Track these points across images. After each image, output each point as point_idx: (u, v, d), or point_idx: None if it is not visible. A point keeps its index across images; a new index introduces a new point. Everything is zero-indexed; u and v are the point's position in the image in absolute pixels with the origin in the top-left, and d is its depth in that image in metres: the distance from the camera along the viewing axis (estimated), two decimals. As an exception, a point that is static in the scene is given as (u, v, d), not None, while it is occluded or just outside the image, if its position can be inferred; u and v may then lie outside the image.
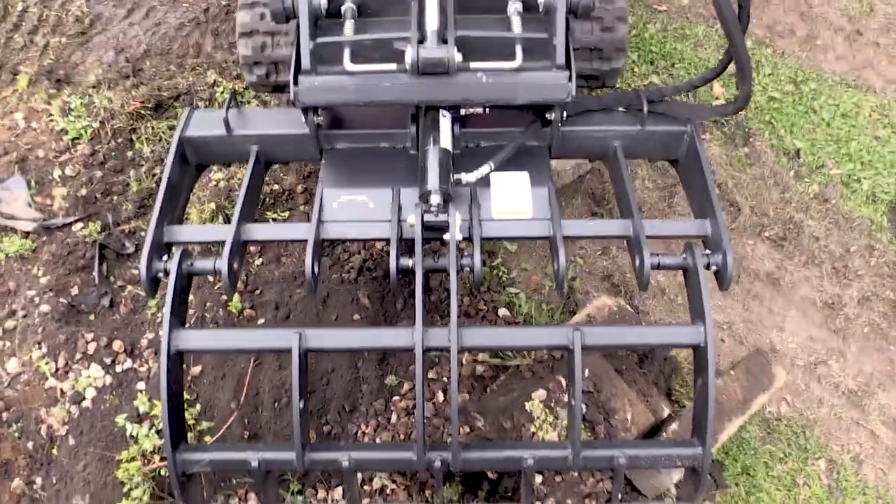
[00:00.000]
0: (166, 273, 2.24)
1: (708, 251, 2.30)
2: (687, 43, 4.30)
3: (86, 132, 3.66)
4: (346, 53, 2.22)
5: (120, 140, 3.67)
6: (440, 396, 2.88)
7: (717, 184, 3.77)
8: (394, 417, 2.88)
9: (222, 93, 3.80)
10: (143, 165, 3.60)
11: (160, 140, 3.68)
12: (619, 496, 2.34)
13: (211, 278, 3.19)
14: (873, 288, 3.53)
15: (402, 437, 2.83)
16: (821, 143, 3.94)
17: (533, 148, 2.54)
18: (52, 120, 3.73)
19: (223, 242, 2.25)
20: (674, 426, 2.85)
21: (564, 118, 2.48)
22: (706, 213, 2.38)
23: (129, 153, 3.65)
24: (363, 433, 2.87)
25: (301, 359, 2.17)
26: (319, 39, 2.27)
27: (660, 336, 2.42)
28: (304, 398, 2.25)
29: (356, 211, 2.38)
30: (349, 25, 2.32)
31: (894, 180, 3.80)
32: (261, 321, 3.12)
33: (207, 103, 3.78)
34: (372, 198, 2.39)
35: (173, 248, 2.33)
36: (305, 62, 2.25)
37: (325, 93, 2.29)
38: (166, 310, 2.17)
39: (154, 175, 3.55)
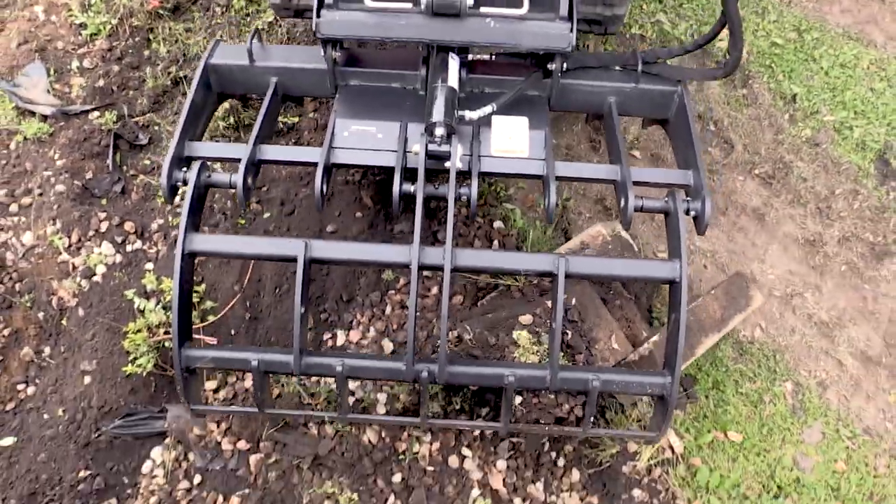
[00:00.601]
0: (185, 182, 2.43)
1: (688, 199, 2.48)
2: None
3: (104, 28, 3.76)
4: None
5: (137, 38, 3.77)
6: (434, 290, 3.03)
7: (713, 121, 3.90)
8: (388, 309, 3.04)
9: (239, 0, 3.88)
10: (159, 64, 3.70)
11: (176, 41, 3.77)
12: (591, 418, 2.52)
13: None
14: (854, 229, 3.68)
15: (394, 327, 3.00)
16: (817, 90, 4.05)
17: (533, 98, 2.72)
18: (71, 14, 3.82)
19: (239, 161, 2.43)
20: (642, 349, 3.01)
21: (564, 70, 2.63)
22: (690, 166, 2.56)
23: (146, 52, 3.74)
24: (358, 322, 3.03)
25: (306, 267, 2.34)
26: None
27: (639, 269, 2.59)
28: (306, 305, 2.42)
29: (365, 140, 2.55)
30: None
31: (884, 130, 3.93)
32: (266, 215, 3.26)
33: (225, 8, 3.87)
34: (380, 129, 2.56)
35: (192, 163, 2.48)
36: None
37: (344, 26, 2.46)
38: (183, 216, 2.35)
39: (170, 73, 3.66)
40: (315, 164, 2.44)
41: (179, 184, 2.45)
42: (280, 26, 3.80)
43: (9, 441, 2.90)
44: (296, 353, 2.38)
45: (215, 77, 2.74)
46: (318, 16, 2.45)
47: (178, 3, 3.85)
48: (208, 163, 2.49)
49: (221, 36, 3.79)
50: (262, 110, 2.62)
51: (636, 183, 2.47)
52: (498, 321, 2.88)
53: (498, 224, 3.37)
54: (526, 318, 2.84)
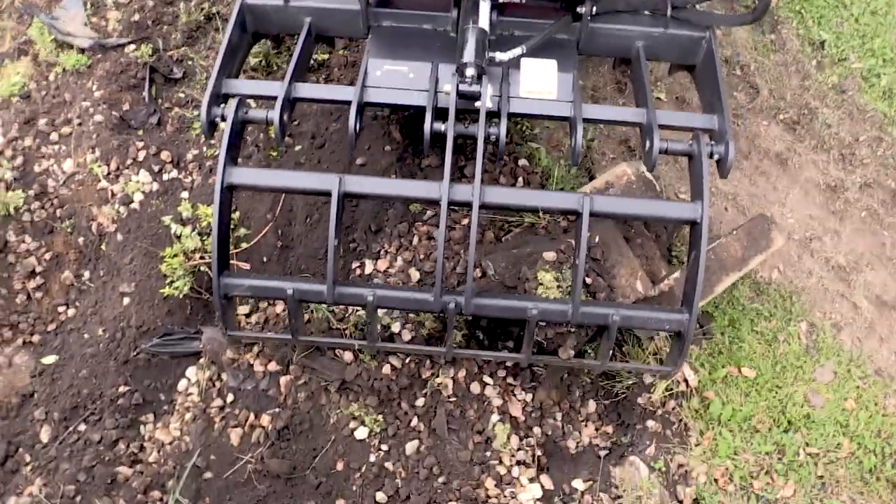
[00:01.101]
0: (223, 118, 2.52)
1: (712, 142, 2.53)
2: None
3: (139, -38, 3.81)
4: None
5: (171, -27, 3.82)
6: (461, 223, 3.12)
7: (739, 65, 3.91)
8: (415, 240, 3.14)
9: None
10: (191, 0, 3.76)
11: (223, -9, 3.82)
12: (609, 352, 2.63)
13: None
14: (876, 176, 3.70)
15: (421, 257, 3.10)
16: (846, 36, 4.04)
17: (563, 41, 2.77)
18: (106, -51, 3.87)
19: (275, 98, 2.51)
20: (662, 285, 3.08)
21: (593, 14, 2.69)
22: (715, 111, 2.62)
23: (180, -13, 3.80)
24: (386, 251, 3.13)
25: (339, 201, 2.43)
26: None
27: (662, 210, 2.71)
28: (339, 237, 2.53)
29: (397, 79, 2.63)
30: None
31: (913, 79, 3.92)
32: (297, 148, 3.35)
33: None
34: (412, 69, 2.63)
35: (230, 100, 2.57)
36: None
37: None
38: (222, 150, 2.45)
39: (202, 9, 3.71)
40: (348, 103, 2.51)
41: (218, 119, 2.54)
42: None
43: (51, 359, 3.05)
44: (329, 283, 2.50)
45: (250, 17, 2.81)
46: None
47: (211, -62, 3.89)
48: (245, 99, 2.57)
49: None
50: (296, 50, 2.69)
51: (661, 126, 2.52)
52: (522, 257, 2.97)
53: (523, 162, 3.43)
54: (550, 255, 2.92)
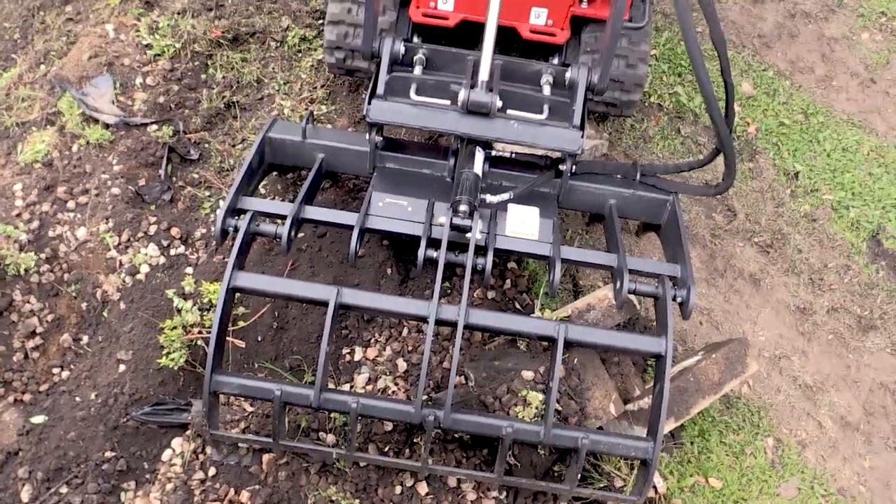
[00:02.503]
0: (235, 230, 2.77)
1: (676, 287, 2.81)
2: (714, 63, 4.69)
3: (168, 50, 4.09)
4: (413, 87, 2.87)
5: (197, 63, 4.10)
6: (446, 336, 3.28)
7: (719, 189, 4.17)
8: (404, 332, 3.29)
9: (293, 37, 4.21)
10: (214, 88, 4.02)
11: (232, 69, 4.10)
12: (578, 475, 2.79)
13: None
14: (843, 301, 3.92)
15: (409, 348, 3.24)
16: (819, 169, 4.34)
17: (545, 194, 3.11)
18: (139, 35, 4.15)
19: (284, 217, 2.79)
20: (632, 406, 3.24)
21: (573, 172, 3.03)
22: (678, 261, 2.91)
23: (204, 76, 4.07)
24: (376, 340, 3.27)
25: (335, 311, 2.63)
26: (394, 74, 2.90)
27: (630, 342, 2.91)
28: (332, 344, 2.74)
29: (397, 211, 2.91)
30: (418, 69, 3.00)
31: (879, 213, 4.20)
32: (300, 235, 3.52)
33: (279, 44, 4.20)
34: (411, 204, 2.93)
35: (243, 214, 2.80)
36: (380, 90, 2.88)
37: (391, 114, 2.88)
38: (232, 256, 2.68)
39: (223, 97, 3.97)
40: (351, 227, 2.78)
41: (230, 229, 2.79)
42: (326, 70, 4.13)
43: (40, 419, 3.13)
44: (317, 389, 2.65)
45: (270, 149, 3.15)
46: (370, 104, 2.86)
47: (237, 34, 4.19)
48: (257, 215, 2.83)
49: (273, 68, 4.12)
50: (308, 180, 3.00)
51: (631, 271, 2.80)
52: (502, 370, 3.12)
53: (512, 265, 3.63)
54: (528, 374, 3.08)
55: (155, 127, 3.79)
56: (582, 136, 2.87)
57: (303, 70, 4.13)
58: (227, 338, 3.14)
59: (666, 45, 4.70)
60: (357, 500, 2.98)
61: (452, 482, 3.08)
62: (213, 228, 3.51)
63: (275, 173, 3.53)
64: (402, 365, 3.20)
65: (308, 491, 2.98)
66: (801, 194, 4.25)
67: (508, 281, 3.56)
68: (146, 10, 4.29)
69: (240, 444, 3.05)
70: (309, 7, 4.35)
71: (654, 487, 3.23)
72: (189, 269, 3.42)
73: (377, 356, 3.24)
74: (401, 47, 2.95)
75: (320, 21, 4.30)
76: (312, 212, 2.91)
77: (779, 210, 4.18)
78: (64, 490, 2.96)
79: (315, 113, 4.00)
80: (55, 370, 3.27)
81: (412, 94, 2.87)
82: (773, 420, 3.55)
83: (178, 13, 4.27)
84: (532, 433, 2.70)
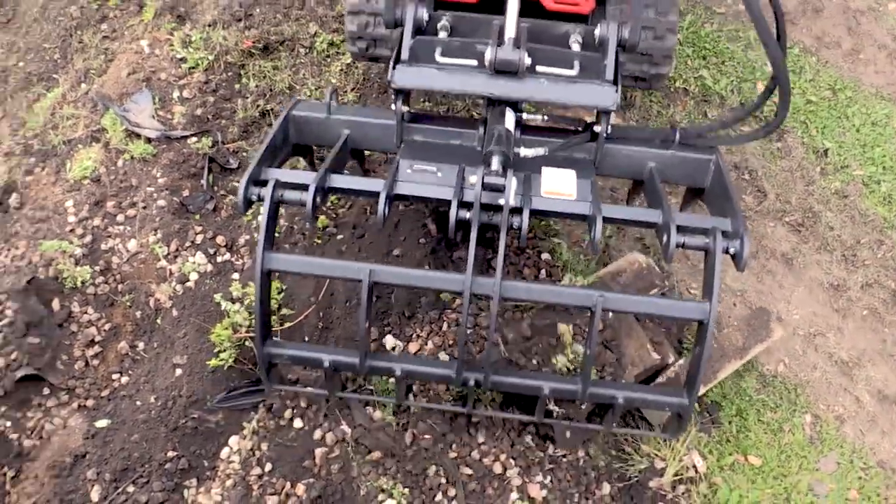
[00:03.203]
0: (259, 198, 2.68)
1: (727, 239, 2.64)
2: (739, 44, 4.72)
3: (202, 63, 4.23)
4: (438, 51, 2.75)
5: (230, 73, 4.23)
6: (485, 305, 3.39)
7: (748, 170, 4.21)
8: (445, 326, 3.40)
9: (321, 42, 4.32)
10: (248, 97, 4.15)
11: (264, 77, 4.23)
12: (613, 425, 2.91)
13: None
14: (877, 276, 3.95)
15: (450, 342, 3.36)
16: (848, 145, 4.35)
17: (581, 160, 2.97)
18: (173, 49, 4.30)
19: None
20: (669, 372, 3.32)
21: (608, 134, 2.88)
22: (728, 214, 2.74)
23: (237, 85, 4.20)
24: (418, 335, 3.39)
25: (369, 289, 2.69)
26: (418, 38, 2.80)
27: (671, 309, 2.84)
28: (370, 319, 2.79)
29: (426, 176, 2.81)
30: (443, 35, 2.89)
31: (911, 186, 4.20)
32: (340, 237, 3.66)
33: (308, 50, 4.32)
34: (441, 169, 2.82)
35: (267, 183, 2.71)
36: (405, 55, 2.77)
37: (416, 78, 2.78)
38: (260, 235, 2.67)
39: (258, 106, 4.11)
40: (378, 194, 2.68)
41: (254, 198, 2.70)
42: (356, 68, 4.24)
43: (104, 423, 3.31)
44: (361, 356, 2.77)
45: (294, 127, 3.05)
46: (394, 69, 2.76)
47: (267, 43, 4.31)
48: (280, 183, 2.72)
49: (304, 74, 4.24)
50: (333, 152, 2.92)
51: (678, 227, 2.63)
52: (541, 327, 3.23)
53: (546, 256, 3.71)
54: (564, 328, 3.17)
55: (194, 139, 3.94)
56: (616, 92, 2.73)
57: (333, 74, 4.24)
58: (274, 328, 3.28)
59: (689, 29, 4.72)
60: (406, 489, 3.11)
61: (498, 468, 3.20)
62: (255, 235, 3.65)
63: (299, 159, 3.39)
64: (443, 358, 3.32)
65: (360, 482, 3.12)
66: (832, 171, 4.27)
67: (543, 271, 3.65)
68: (178, 24, 4.43)
69: (294, 426, 3.21)
70: (335, 12, 4.45)
71: (695, 466, 3.32)
72: (235, 275, 3.57)
73: (418, 351, 3.37)
74: (424, 13, 2.83)
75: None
76: (337, 180, 2.81)
77: (809, 188, 4.20)
78: (131, 489, 3.14)
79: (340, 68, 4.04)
80: (115, 376, 3.45)
81: (437, 58, 2.74)
82: (810, 397, 3.60)
83: (209, 25, 4.40)
84: (570, 391, 2.78)
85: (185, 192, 3.79)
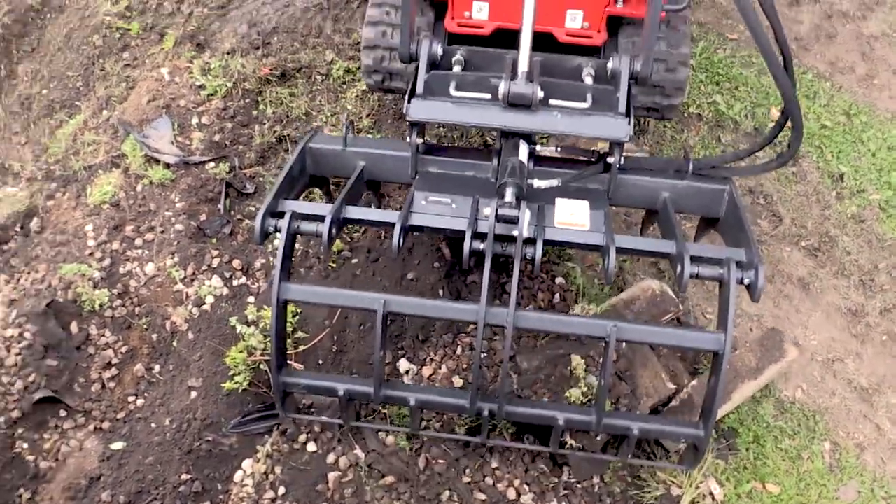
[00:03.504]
0: (276, 230, 2.76)
1: (742, 270, 2.65)
2: (752, 70, 4.74)
3: (220, 90, 4.30)
4: (452, 84, 2.82)
5: (248, 100, 4.30)
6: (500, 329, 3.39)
7: (763, 195, 4.20)
8: (458, 350, 3.40)
9: (338, 69, 4.39)
10: (265, 123, 4.21)
11: (281, 104, 4.29)
12: (629, 456, 2.90)
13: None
14: (895, 301, 3.91)
15: (464, 366, 3.35)
16: (864, 170, 4.33)
17: (594, 190, 3.00)
18: (192, 76, 4.38)
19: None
20: (682, 394, 3.29)
21: (621, 164, 2.90)
22: (742, 245, 2.75)
23: (255, 112, 4.27)
24: (432, 359, 3.40)
25: (384, 319, 2.72)
26: (433, 73, 2.88)
27: (686, 339, 2.83)
28: (384, 348, 2.83)
29: (440, 208, 2.86)
30: (457, 69, 2.97)
31: (929, 211, 4.17)
32: (354, 261, 3.68)
33: (325, 77, 4.38)
34: (455, 201, 2.86)
35: (284, 215, 2.76)
36: (420, 89, 2.84)
37: (431, 111, 2.85)
38: (277, 265, 2.73)
39: (274, 132, 4.16)
40: (393, 225, 2.71)
41: (271, 229, 2.78)
42: (371, 95, 4.29)
43: (119, 445, 3.32)
44: (375, 386, 2.80)
45: (311, 159, 3.11)
46: (409, 103, 2.83)
47: (284, 70, 4.38)
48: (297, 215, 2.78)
49: (321, 101, 4.30)
50: (349, 183, 2.97)
51: (692, 257, 2.64)
52: (554, 357, 3.25)
53: (560, 280, 3.71)
54: (577, 359, 3.16)
55: (212, 164, 4.00)
56: (629, 124, 2.77)
57: (348, 101, 4.30)
58: (289, 351, 3.30)
59: (702, 55, 4.75)
60: (421, 514, 3.09)
61: (512, 494, 3.17)
62: (271, 259, 3.69)
63: (316, 190, 3.44)
64: (457, 382, 3.31)
65: (373, 507, 3.11)
66: (848, 195, 4.25)
67: (557, 295, 3.65)
68: (198, 53, 4.52)
69: (308, 449, 3.21)
70: (351, 40, 4.52)
71: (711, 494, 3.27)
72: (251, 298, 3.60)
73: (432, 374, 3.37)
74: (438, 48, 2.91)
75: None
76: (353, 211, 2.86)
77: (825, 213, 4.18)
78: (145, 512, 3.15)
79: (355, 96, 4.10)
80: (131, 398, 3.47)
81: (452, 91, 2.80)
82: (829, 424, 3.56)
83: (228, 53, 4.48)
84: (584, 422, 2.79)
85: (203, 217, 3.83)
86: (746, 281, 2.63)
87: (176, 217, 3.80)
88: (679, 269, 2.64)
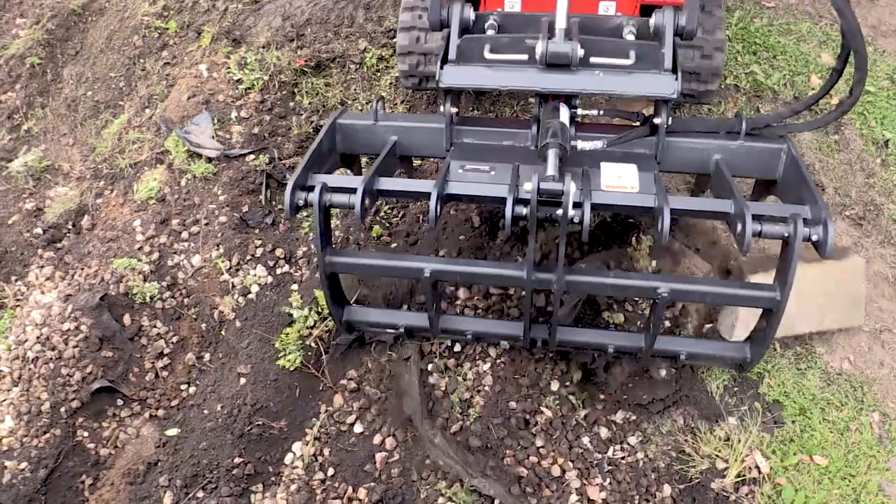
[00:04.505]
0: (307, 203, 2.65)
1: (809, 226, 2.48)
2: (790, 37, 4.63)
3: (257, 83, 4.38)
4: (486, 47, 2.69)
5: (284, 92, 4.37)
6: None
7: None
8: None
9: (371, 57, 4.43)
10: (302, 114, 4.29)
11: (317, 94, 4.36)
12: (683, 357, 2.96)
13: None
14: (945, 269, 3.82)
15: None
16: (910, 135, 4.22)
17: (642, 155, 2.85)
18: (229, 71, 4.47)
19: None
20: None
21: (669, 125, 2.75)
22: (807, 202, 2.58)
23: (292, 103, 4.35)
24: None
25: (433, 285, 2.78)
26: (465, 36, 2.76)
27: (740, 293, 2.74)
28: (438, 311, 2.93)
29: (478, 176, 2.74)
30: (491, 32, 2.84)
31: (979, 174, 4.05)
32: (394, 245, 3.74)
33: (358, 65, 4.43)
34: (493, 168, 2.75)
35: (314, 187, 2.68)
36: (452, 54, 2.73)
37: (465, 76, 2.72)
38: (316, 241, 2.73)
39: (311, 122, 4.23)
40: (429, 195, 2.59)
41: (301, 202, 2.67)
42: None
43: (174, 431, 3.45)
44: (433, 318, 2.95)
45: (340, 135, 3.02)
46: (442, 69, 2.71)
47: (319, 61, 4.44)
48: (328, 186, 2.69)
49: (355, 90, 4.35)
50: (380, 157, 2.87)
51: (753, 217, 2.46)
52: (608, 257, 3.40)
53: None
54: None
55: (252, 156, 4.09)
56: (676, 80, 2.61)
57: (382, 88, 4.34)
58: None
59: (738, 25, 4.66)
60: (466, 494, 3.15)
61: (556, 471, 3.21)
62: (312, 246, 3.76)
63: (346, 171, 3.30)
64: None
65: (420, 486, 3.18)
66: (893, 163, 4.14)
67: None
68: (234, 48, 4.61)
69: (355, 430, 3.30)
70: (383, 28, 4.55)
71: (758, 467, 3.26)
72: (294, 286, 3.68)
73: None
74: (471, 13, 2.78)
75: (395, 39, 4.50)
76: (386, 182, 2.74)
77: (869, 181, 4.09)
78: (200, 495, 3.27)
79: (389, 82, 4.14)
80: (183, 386, 3.60)
81: (486, 54, 2.66)
82: (877, 394, 3.50)
83: (263, 47, 4.56)
84: (635, 348, 2.90)
85: (245, 208, 3.93)
86: (815, 237, 2.47)
87: (219, 209, 3.90)
88: (740, 227, 2.47)
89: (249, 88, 4.38)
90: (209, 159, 4.07)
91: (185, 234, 3.87)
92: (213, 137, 4.15)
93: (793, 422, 3.39)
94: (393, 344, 3.40)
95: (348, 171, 3.28)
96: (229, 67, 4.48)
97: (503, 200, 2.54)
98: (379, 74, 4.40)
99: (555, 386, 3.35)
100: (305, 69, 4.40)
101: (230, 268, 3.74)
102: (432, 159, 3.87)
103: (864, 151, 4.19)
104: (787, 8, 4.84)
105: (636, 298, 3.37)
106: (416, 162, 3.80)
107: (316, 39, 4.61)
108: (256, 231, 3.87)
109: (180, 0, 5.03)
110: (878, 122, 4.28)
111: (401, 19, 3.59)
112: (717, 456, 3.24)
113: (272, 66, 4.40)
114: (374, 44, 4.53)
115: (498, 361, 3.37)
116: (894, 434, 3.40)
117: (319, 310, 3.48)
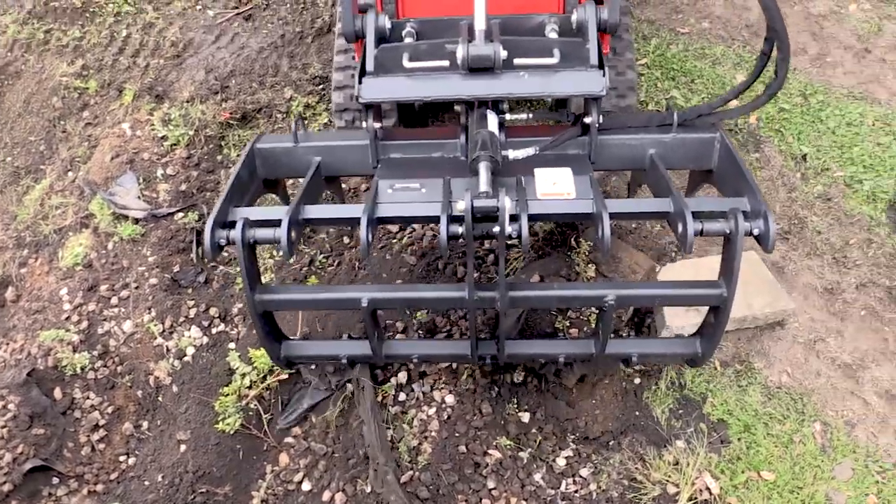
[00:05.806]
0: (228, 242, 2.46)
1: (749, 220, 2.44)
2: (706, 61, 4.79)
3: (183, 139, 4.32)
4: (405, 56, 2.57)
5: (211, 146, 4.32)
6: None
7: (729, 184, 4.24)
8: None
9: (297, 105, 4.42)
10: (230, 167, 4.23)
11: (245, 146, 4.30)
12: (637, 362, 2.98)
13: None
14: (870, 276, 3.94)
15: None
16: (826, 148, 4.37)
17: (575, 156, 2.78)
18: (153, 128, 4.40)
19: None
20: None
21: (600, 124, 2.70)
22: (745, 193, 2.54)
23: (219, 157, 4.29)
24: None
25: (372, 314, 2.71)
26: (382, 46, 2.66)
27: (686, 293, 2.75)
28: (380, 339, 2.86)
29: (409, 195, 2.59)
30: (409, 40, 2.75)
31: (893, 181, 4.21)
32: (337, 274, 3.70)
33: (285, 115, 4.41)
34: (424, 184, 2.60)
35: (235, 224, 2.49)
36: (370, 66, 2.61)
37: (384, 89, 2.59)
38: (244, 282, 2.54)
39: (240, 174, 4.18)
40: (358, 221, 2.45)
41: (222, 241, 2.47)
42: (332, 127, 4.31)
43: (115, 506, 3.32)
44: (375, 346, 2.84)
45: (260, 161, 2.84)
46: (360, 83, 2.58)
47: (245, 112, 4.41)
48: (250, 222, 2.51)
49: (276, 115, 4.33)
50: (305, 181, 2.70)
51: (693, 215, 2.42)
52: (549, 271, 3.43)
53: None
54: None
55: (181, 214, 4.01)
56: (604, 76, 2.55)
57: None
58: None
59: (656, 52, 4.80)
60: None
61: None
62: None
63: (271, 196, 3.17)
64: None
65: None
66: (812, 175, 4.29)
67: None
68: (157, 104, 4.54)
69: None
70: (308, 75, 4.55)
71: (708, 489, 3.28)
72: (232, 345, 3.60)
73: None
74: (386, 21, 2.68)
75: (321, 87, 4.50)
76: (312, 210, 2.57)
77: (792, 195, 4.22)
78: (146, 571, 3.13)
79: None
80: (121, 458, 3.47)
81: (405, 63, 2.54)
82: (817, 404, 3.57)
83: (187, 101, 4.51)
84: (586, 354, 2.89)
85: (176, 268, 3.84)
86: (756, 231, 2.44)
87: (149, 271, 3.81)
88: (681, 228, 2.42)
89: (175, 144, 4.32)
90: (136, 220, 3.98)
91: (114, 300, 3.76)
92: (139, 197, 4.06)
93: (738, 439, 3.43)
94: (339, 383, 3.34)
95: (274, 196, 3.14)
96: (153, 124, 4.41)
97: (437, 219, 2.44)
98: (306, 122, 4.38)
99: (505, 425, 3.33)
100: (231, 121, 4.36)
101: (163, 331, 3.64)
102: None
103: (784, 167, 4.33)
104: (701, 33, 5.01)
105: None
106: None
107: (241, 91, 4.58)
108: (189, 291, 3.78)
109: (100, 59, 4.94)
110: (795, 138, 4.43)
111: (335, 60, 3.56)
112: (667, 481, 3.26)
113: (197, 121, 4.35)
114: (299, 91, 4.52)
115: (443, 406, 3.34)
116: (836, 443, 3.46)
117: (259, 367, 3.40)
